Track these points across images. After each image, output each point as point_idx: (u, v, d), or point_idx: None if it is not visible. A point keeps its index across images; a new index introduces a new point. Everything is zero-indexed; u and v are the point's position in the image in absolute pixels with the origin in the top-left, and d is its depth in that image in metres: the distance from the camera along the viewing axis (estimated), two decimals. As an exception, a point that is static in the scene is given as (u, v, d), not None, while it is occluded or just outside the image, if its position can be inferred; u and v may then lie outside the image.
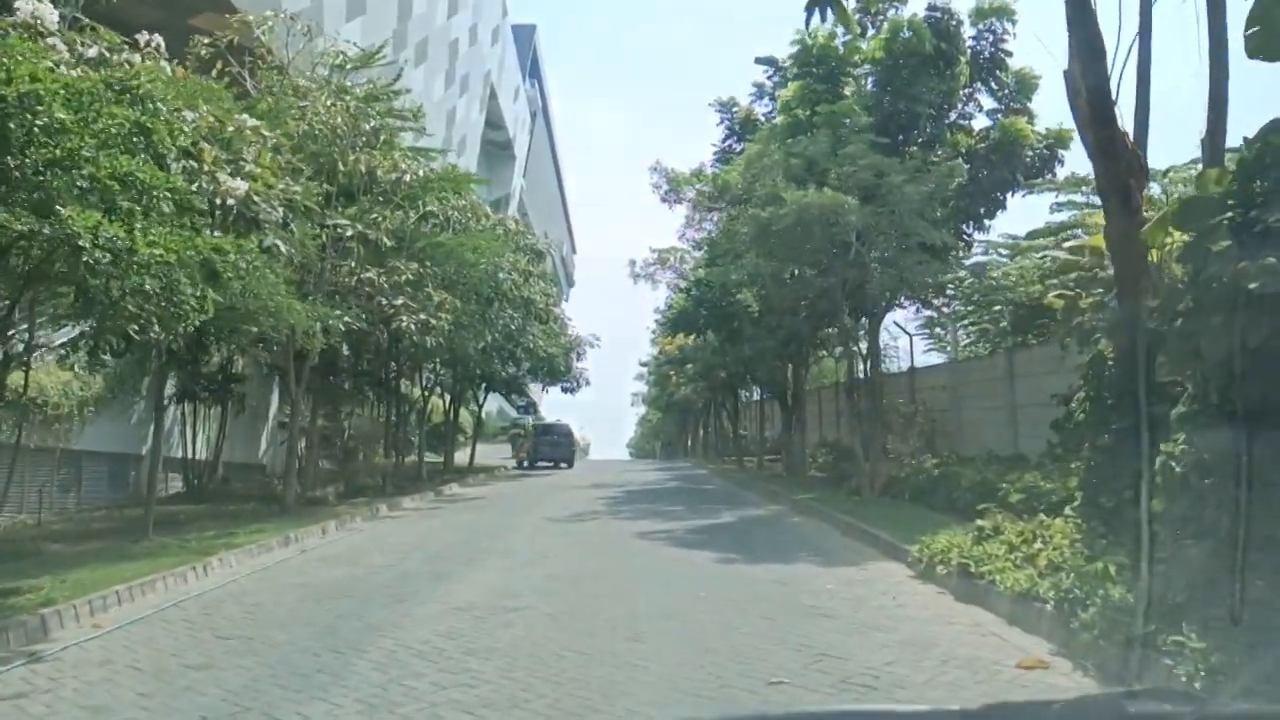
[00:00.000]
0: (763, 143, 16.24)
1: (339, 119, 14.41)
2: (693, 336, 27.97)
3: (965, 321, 18.24)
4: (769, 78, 21.47)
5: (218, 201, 7.71)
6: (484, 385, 32.24)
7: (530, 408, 52.05)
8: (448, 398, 30.54)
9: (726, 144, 22.61)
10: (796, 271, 15.83)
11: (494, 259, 19.66)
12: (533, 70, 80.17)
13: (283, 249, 8.47)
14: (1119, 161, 7.79)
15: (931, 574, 8.35)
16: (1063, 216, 15.00)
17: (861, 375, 17.18)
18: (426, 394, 26.74)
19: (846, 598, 7.74)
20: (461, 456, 33.31)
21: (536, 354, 27.89)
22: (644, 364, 62.24)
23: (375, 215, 14.95)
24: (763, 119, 21.13)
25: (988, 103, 16.87)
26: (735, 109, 22.95)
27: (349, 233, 14.52)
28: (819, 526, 12.86)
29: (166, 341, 8.72)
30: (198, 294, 6.78)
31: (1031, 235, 15.43)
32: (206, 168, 7.84)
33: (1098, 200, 16.23)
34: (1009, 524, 8.52)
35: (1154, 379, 7.39)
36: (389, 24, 37.50)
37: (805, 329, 19.00)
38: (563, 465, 32.32)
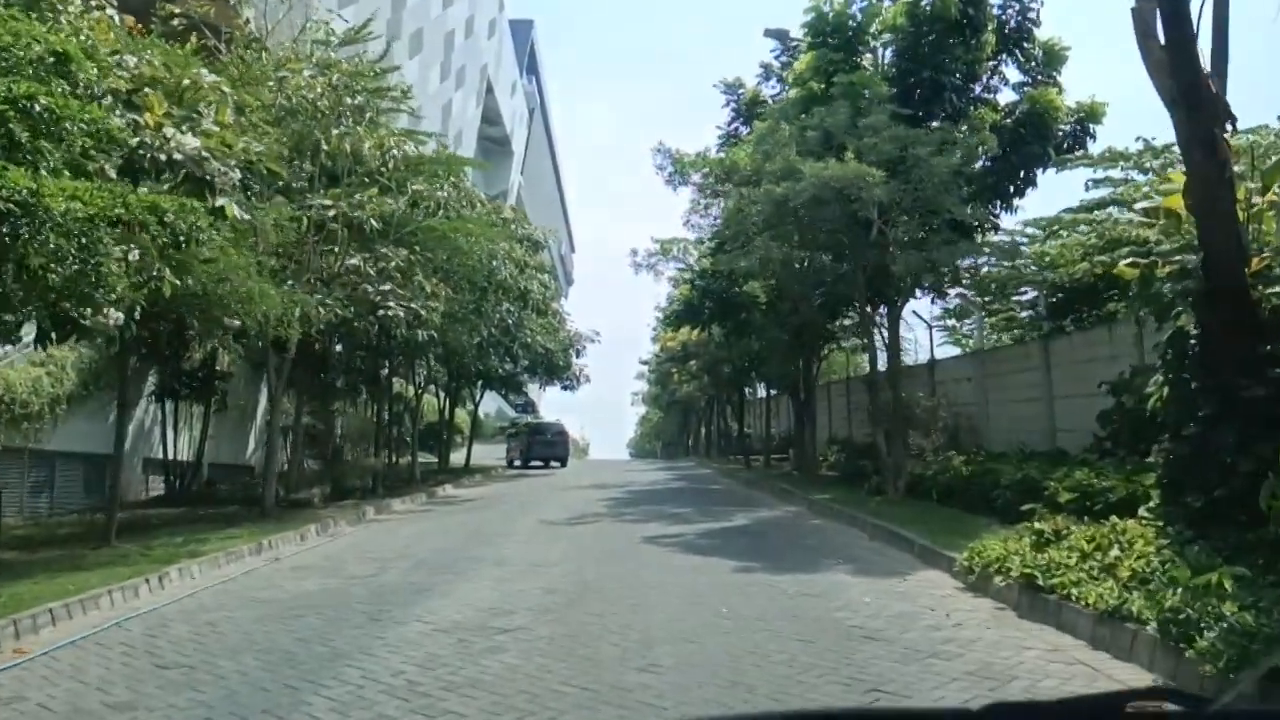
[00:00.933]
0: (774, 118, 15.16)
1: (320, 91, 13.34)
2: (697, 330, 26.88)
3: (989, 310, 17.13)
4: (777, 57, 20.40)
5: (163, 158, 6.64)
6: (480, 383, 31.18)
7: (528, 407, 50.96)
8: (443, 396, 29.47)
9: (732, 127, 21.53)
10: (809, 258, 14.76)
11: (489, 246, 18.59)
12: (530, 66, 79.18)
13: (238, 213, 7.36)
14: (1202, 108, 6.73)
15: (986, 585, 7.27)
16: (1100, 193, 13.94)
17: (878, 367, 16.07)
18: (420, 391, 25.66)
19: (891, 615, 6.67)
20: (458, 457, 32.32)
21: (534, 349, 26.82)
22: (644, 362, 61.34)
23: (360, 196, 13.87)
24: (770, 101, 20.06)
25: (1013, 76, 15.81)
26: (741, 90, 21.89)
27: (331, 213, 13.44)
28: (842, 529, 11.79)
29: (112, 328, 7.63)
30: (130, 261, 5.69)
31: (1055, 221, 14.38)
32: (152, 120, 6.76)
33: (1138, 175, 15.41)
34: (1074, 527, 7.44)
35: (1251, 355, 6.34)
36: (383, 12, 36.45)
37: (819, 319, 17.91)
38: (555, 464, 31.68)
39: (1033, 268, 14.26)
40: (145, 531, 12.61)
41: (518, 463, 32.44)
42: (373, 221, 13.85)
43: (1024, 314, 16.26)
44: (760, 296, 20.96)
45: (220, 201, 6.99)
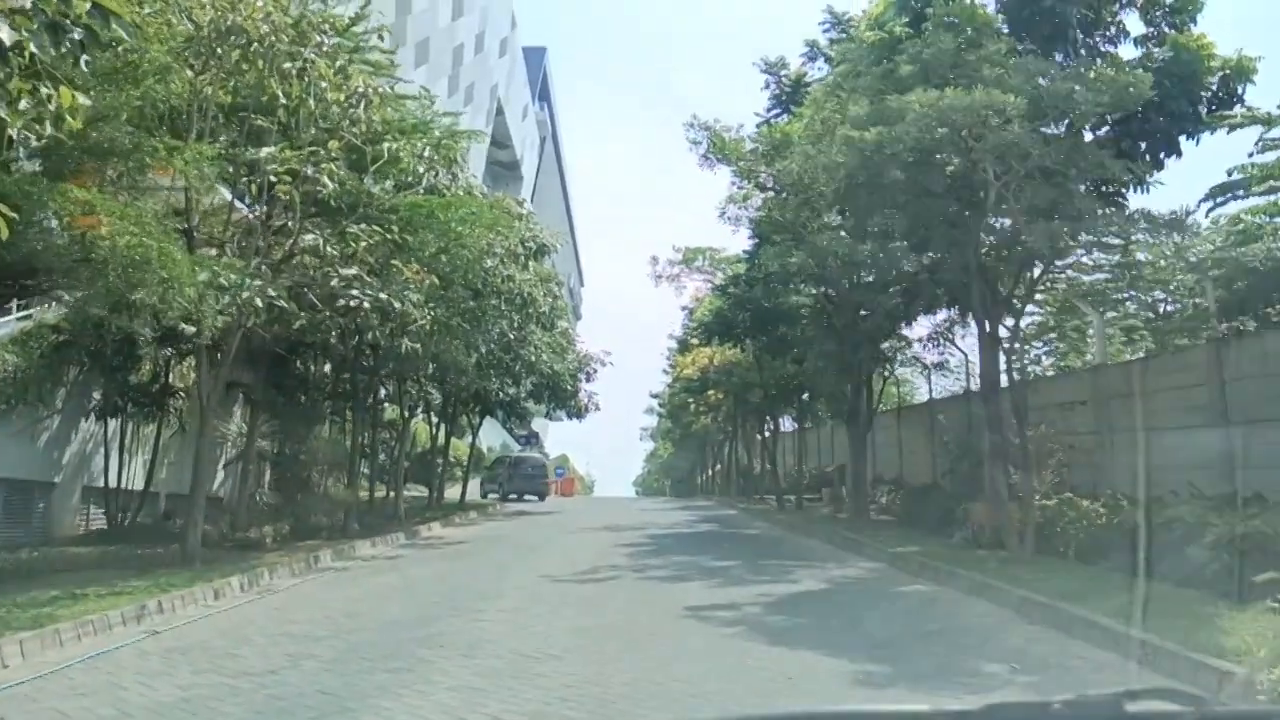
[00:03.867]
0: (843, 75, 12.07)
1: (272, 12, 10.30)
2: (728, 347, 23.58)
3: (1114, 310, 13.80)
4: (826, 31, 17.45)
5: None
6: (479, 409, 27.90)
7: (532, 439, 47.58)
8: (435, 421, 26.19)
9: (773, 114, 18.57)
10: (885, 245, 11.53)
11: (487, 236, 15.47)
12: (542, 93, 77.34)
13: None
14: None
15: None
16: (1269, 158, 10.83)
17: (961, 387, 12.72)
18: (406, 415, 22.39)
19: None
20: (455, 493, 28.94)
21: (539, 370, 23.55)
22: (655, 395, 57.98)
23: (322, 151, 10.78)
24: (818, 84, 17.03)
25: (1134, 27, 12.75)
26: (784, 72, 18.94)
27: (273, 166, 10.32)
28: (965, 601, 8.38)
29: None
30: None
31: (1222, 189, 11.18)
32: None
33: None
34: None
35: None
36: (386, 16, 34.04)
37: (885, 327, 14.63)
38: (532, 498, 31.19)
39: (1197, 252, 10.97)
40: (23, 580, 9.44)
41: (493, 495, 30.53)
42: (327, 180, 10.70)
43: (1173, 308, 12.88)
44: (805, 307, 17.75)
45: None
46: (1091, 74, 10.04)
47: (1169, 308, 13.27)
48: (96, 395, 15.25)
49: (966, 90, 8.60)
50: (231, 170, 10.77)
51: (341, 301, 11.33)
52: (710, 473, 50.38)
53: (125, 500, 16.14)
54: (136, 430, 16.59)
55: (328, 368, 19.42)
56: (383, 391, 22.32)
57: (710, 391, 32.62)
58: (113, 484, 15.46)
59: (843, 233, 12.02)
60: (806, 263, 13.39)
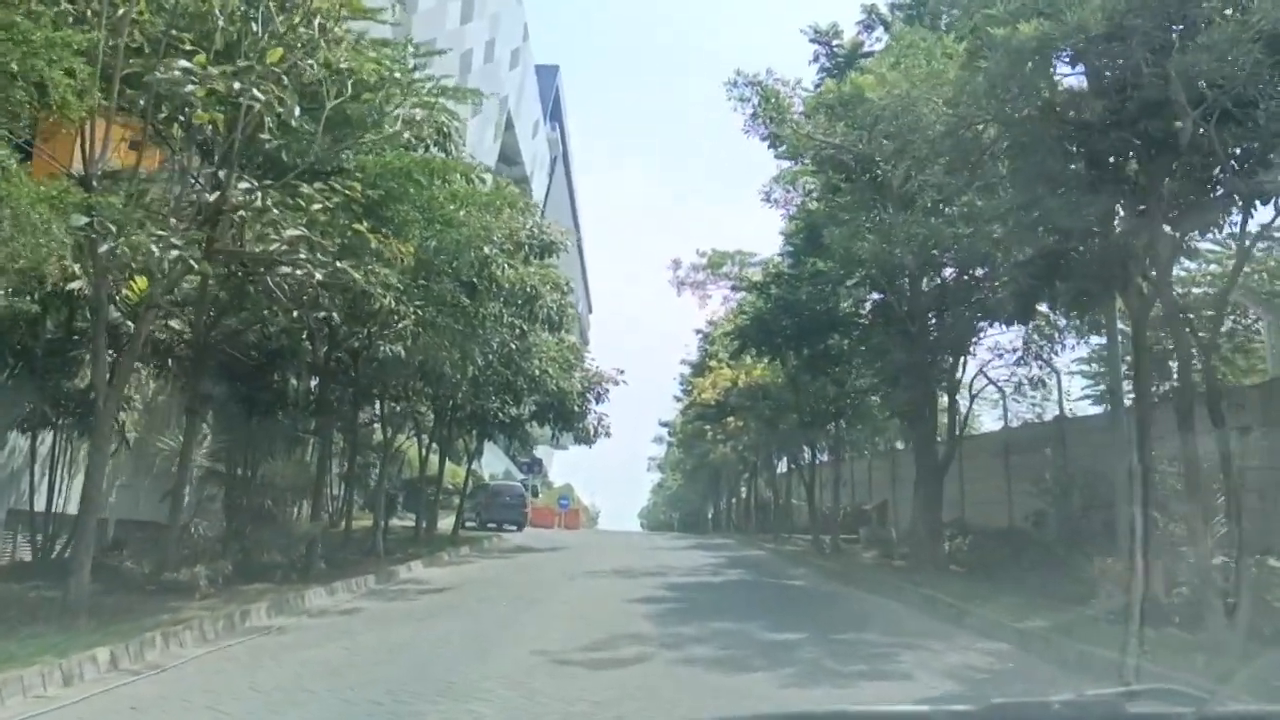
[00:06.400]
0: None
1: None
2: (750, 367, 20.64)
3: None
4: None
5: None
6: (476, 431, 24.98)
7: (535, 466, 44.55)
8: (424, 442, 23.26)
9: (820, 89, 15.86)
10: (1002, 211, 8.67)
11: (483, 216, 12.71)
12: (554, 113, 75.47)
13: None
14: None
15: None
16: None
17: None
18: (389, 434, 19.50)
19: None
20: (448, 524, 25.97)
21: (544, 386, 20.65)
22: (665, 424, 54.88)
23: (259, 67, 8.02)
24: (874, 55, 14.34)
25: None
26: (837, 42, 16.27)
27: (188, 88, 7.57)
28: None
29: None
30: None
31: None
32: None
33: None
34: None
35: None
36: (386, 13, 31.89)
37: (966, 334, 11.72)
38: (510, 528, 30.80)
39: None
40: None
41: (471, 523, 29.44)
42: (277, 109, 7.94)
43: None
44: (860, 313, 14.86)
45: None
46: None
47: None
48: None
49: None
50: (132, 97, 8.00)
51: (287, 269, 8.50)
52: (726, 507, 47.15)
53: (60, 527, 13.31)
54: (70, 445, 13.77)
55: (314, 382, 16.61)
56: (374, 409, 19.59)
57: (731, 418, 29.70)
58: (46, 508, 12.73)
59: (946, 206, 9.15)
60: (880, 249, 10.54)
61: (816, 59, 16.37)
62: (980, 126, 8.35)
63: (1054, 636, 7.79)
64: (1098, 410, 15.70)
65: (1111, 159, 8.30)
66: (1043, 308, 10.56)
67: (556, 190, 76.06)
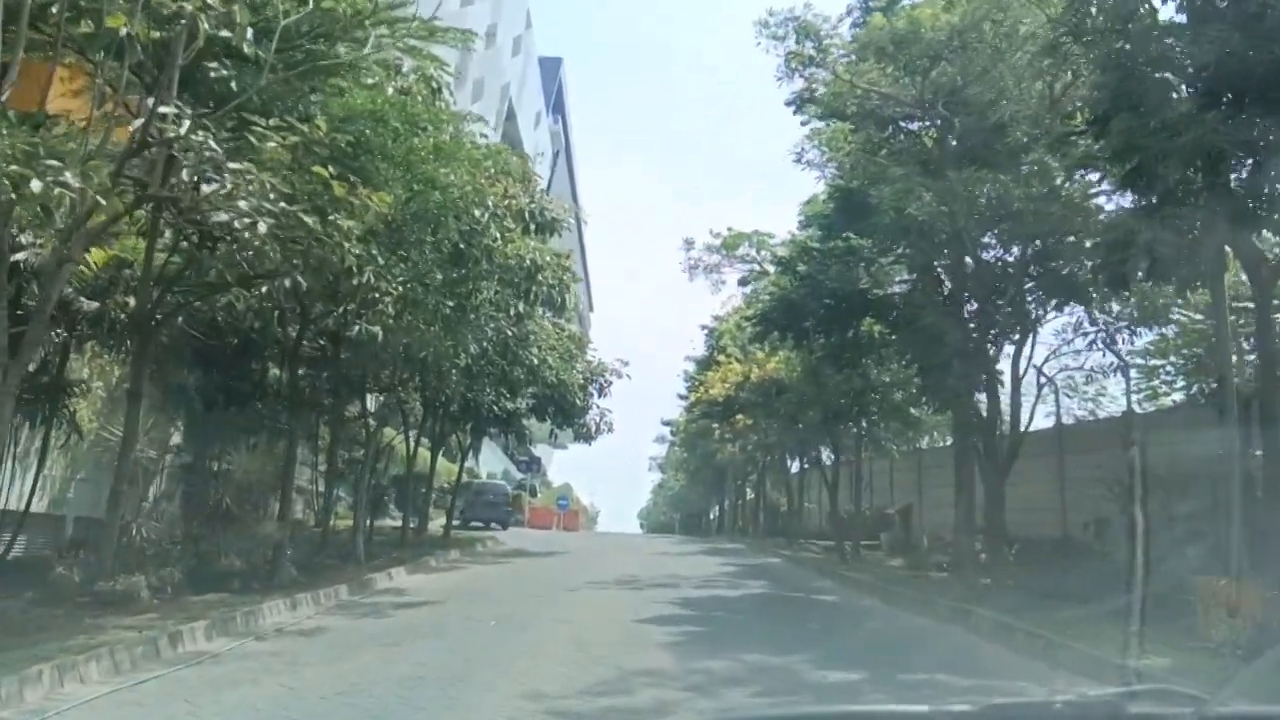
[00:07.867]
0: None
1: None
2: (767, 358, 18.95)
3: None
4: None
5: None
6: (470, 425, 23.32)
7: (533, 465, 42.96)
8: (414, 437, 21.60)
9: (866, 26, 14.15)
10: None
11: (472, 177, 11.05)
12: (557, 106, 73.89)
13: None
14: None
15: None
16: None
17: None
18: (372, 426, 17.85)
19: None
20: (439, 525, 24.31)
21: (542, 377, 19.00)
22: (668, 423, 53.25)
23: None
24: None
25: None
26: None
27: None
28: None
29: None
30: None
31: None
32: None
33: None
34: None
35: None
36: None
37: (1033, 312, 10.06)
38: (494, 526, 30.71)
39: None
40: None
41: (456, 521, 27.26)
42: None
43: None
44: (898, 293, 13.20)
45: None
46: None
47: None
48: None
49: None
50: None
51: (221, 217, 6.84)
52: (730, 509, 45.51)
53: (5, 524, 11.69)
54: (14, 436, 12.11)
55: (301, 372, 15.00)
56: (363, 403, 17.97)
57: (739, 416, 28.04)
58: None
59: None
60: (937, 210, 8.88)
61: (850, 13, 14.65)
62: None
63: (1180, 680, 6.11)
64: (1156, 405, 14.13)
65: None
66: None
67: (558, 184, 74.29)
